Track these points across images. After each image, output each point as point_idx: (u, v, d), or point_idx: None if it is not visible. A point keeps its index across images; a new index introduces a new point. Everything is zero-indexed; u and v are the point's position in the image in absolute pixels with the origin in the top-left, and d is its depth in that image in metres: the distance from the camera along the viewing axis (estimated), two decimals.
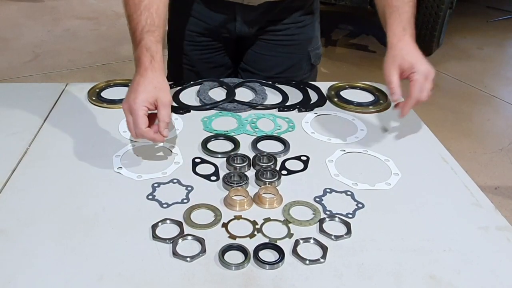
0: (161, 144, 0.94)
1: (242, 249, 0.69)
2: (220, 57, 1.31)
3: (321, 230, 0.74)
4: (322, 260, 0.68)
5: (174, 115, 1.06)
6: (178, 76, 1.37)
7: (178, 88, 1.19)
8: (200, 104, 1.12)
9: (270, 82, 1.22)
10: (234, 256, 0.69)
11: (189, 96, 1.16)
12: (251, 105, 1.11)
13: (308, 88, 1.21)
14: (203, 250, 0.69)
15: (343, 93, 1.19)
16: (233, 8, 1.18)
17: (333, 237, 0.73)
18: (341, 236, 0.73)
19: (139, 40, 0.88)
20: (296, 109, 1.11)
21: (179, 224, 0.74)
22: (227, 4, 1.17)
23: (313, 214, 0.78)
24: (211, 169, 0.89)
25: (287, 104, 1.14)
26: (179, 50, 1.32)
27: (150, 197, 0.81)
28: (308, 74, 1.33)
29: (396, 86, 0.94)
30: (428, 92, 0.95)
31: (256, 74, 1.30)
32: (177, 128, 1.02)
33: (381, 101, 1.16)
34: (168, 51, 1.37)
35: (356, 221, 0.77)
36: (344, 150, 0.96)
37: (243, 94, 1.17)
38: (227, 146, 0.96)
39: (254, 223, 0.75)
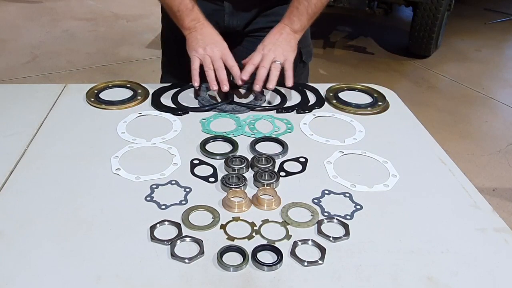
0: (159, 145, 0.95)
1: (240, 251, 0.69)
2: None
3: (319, 232, 0.74)
4: (320, 261, 0.69)
5: (172, 117, 1.07)
6: (169, 71, 1.38)
7: (177, 89, 1.19)
8: (198, 106, 1.12)
9: None
10: (232, 258, 0.69)
11: (187, 97, 1.16)
12: (249, 107, 1.11)
13: (306, 90, 1.21)
14: (202, 252, 0.69)
15: (342, 95, 1.19)
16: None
17: (331, 238, 0.73)
18: (339, 237, 0.73)
19: (192, 6, 1.13)
20: (295, 110, 1.11)
21: (178, 225, 0.74)
22: None
23: (311, 215, 0.78)
24: (210, 170, 0.89)
25: (285, 105, 1.14)
26: (170, 44, 1.32)
27: (148, 198, 0.81)
28: (300, 71, 1.33)
29: (246, 63, 1.13)
30: (264, 64, 1.10)
31: None
32: (175, 130, 1.02)
33: (380, 103, 1.16)
34: (161, 43, 1.38)
35: (354, 223, 0.77)
36: (343, 152, 0.96)
37: (242, 95, 1.17)
38: (226, 147, 0.96)
39: (252, 224, 0.75)
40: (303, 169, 0.90)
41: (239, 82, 1.11)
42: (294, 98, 1.18)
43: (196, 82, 1.10)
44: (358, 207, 0.81)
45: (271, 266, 0.67)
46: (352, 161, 0.94)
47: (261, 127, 1.04)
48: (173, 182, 0.85)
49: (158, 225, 0.74)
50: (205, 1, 1.22)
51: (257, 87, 1.09)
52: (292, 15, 1.14)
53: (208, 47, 1.10)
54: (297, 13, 1.13)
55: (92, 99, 1.12)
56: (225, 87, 1.08)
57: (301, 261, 0.68)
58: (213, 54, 1.10)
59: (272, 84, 1.10)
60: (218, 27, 1.25)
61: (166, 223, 0.75)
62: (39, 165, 0.88)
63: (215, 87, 1.09)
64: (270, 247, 0.70)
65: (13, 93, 1.16)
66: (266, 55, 1.11)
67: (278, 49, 1.12)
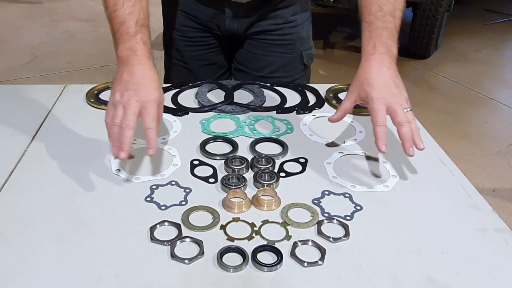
0: (159, 146, 0.95)
1: (240, 251, 0.69)
2: (212, 55, 1.32)
3: (319, 232, 0.74)
4: (320, 262, 0.69)
5: (172, 117, 1.07)
6: (171, 73, 1.38)
7: (177, 90, 1.19)
8: (198, 106, 1.12)
9: (269, 84, 1.23)
10: (232, 258, 0.69)
11: (187, 98, 1.16)
12: (249, 107, 1.11)
13: (306, 90, 1.21)
14: (201, 252, 0.69)
15: (342, 95, 1.19)
16: (222, 3, 1.20)
17: (331, 239, 0.73)
18: (339, 238, 0.73)
19: (134, 32, 0.87)
20: (295, 111, 1.11)
21: (177, 226, 0.74)
22: None
23: (311, 216, 0.78)
24: (210, 171, 0.89)
25: (285, 106, 1.14)
26: (172, 46, 1.33)
27: (148, 199, 0.81)
28: (301, 74, 1.34)
29: (341, 110, 0.94)
30: (403, 118, 0.86)
31: (250, 74, 1.30)
32: (175, 130, 1.02)
33: None
34: (163, 46, 1.38)
35: (354, 223, 0.77)
36: (342, 152, 0.96)
37: (242, 96, 1.17)
38: (226, 148, 0.96)
39: (252, 225, 0.75)
40: (303, 170, 0.90)
41: (150, 153, 0.81)
42: (294, 98, 1.18)
43: (113, 145, 0.82)
44: (358, 207, 0.81)
45: (271, 266, 0.67)
46: (352, 161, 0.94)
47: (261, 127, 1.04)
48: (173, 182, 0.85)
49: (158, 225, 0.74)
50: (205, 5, 1.22)
51: (411, 150, 0.85)
52: (377, 37, 0.91)
53: (126, 94, 0.82)
54: (390, 34, 0.91)
55: (92, 100, 1.12)
56: (122, 154, 0.79)
57: (301, 261, 0.68)
58: (127, 106, 0.81)
59: (422, 144, 0.86)
60: (219, 30, 1.25)
61: (166, 223, 0.75)
62: (39, 165, 0.88)
63: (115, 153, 0.81)
64: (270, 247, 0.70)
65: (13, 94, 1.16)
66: (394, 107, 0.86)
67: (396, 90, 0.88)
